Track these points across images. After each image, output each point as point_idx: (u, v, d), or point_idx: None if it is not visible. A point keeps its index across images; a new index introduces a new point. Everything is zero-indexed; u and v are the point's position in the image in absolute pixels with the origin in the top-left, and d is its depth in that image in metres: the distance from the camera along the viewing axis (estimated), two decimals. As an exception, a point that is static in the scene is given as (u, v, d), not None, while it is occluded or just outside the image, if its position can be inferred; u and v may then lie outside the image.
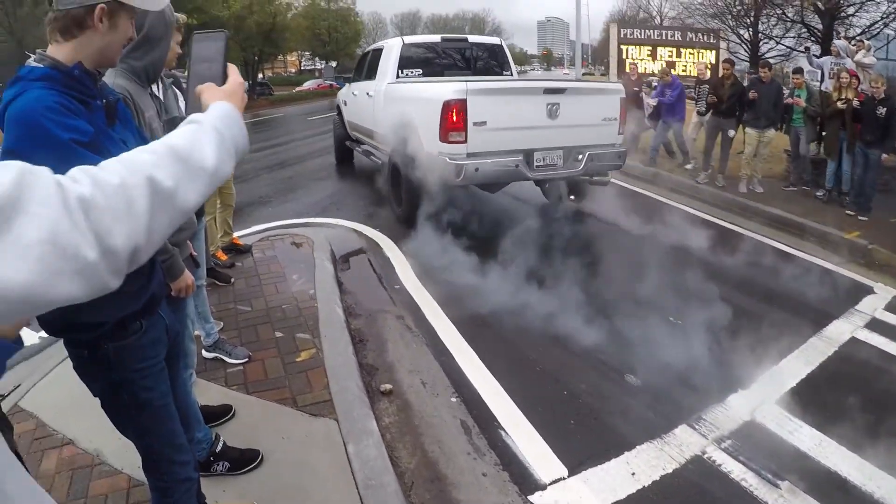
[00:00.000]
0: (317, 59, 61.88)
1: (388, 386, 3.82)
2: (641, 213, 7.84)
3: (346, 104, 10.41)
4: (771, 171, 10.33)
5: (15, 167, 0.68)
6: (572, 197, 8.20)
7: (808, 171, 9.55)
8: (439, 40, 9.10)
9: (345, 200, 8.79)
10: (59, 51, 1.60)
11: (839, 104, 8.36)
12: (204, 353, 3.88)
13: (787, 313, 5.08)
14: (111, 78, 2.20)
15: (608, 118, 6.80)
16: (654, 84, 11.81)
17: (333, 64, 57.48)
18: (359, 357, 4.12)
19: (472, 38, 9.76)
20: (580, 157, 6.63)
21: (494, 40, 9.76)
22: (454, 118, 5.98)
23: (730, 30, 23.29)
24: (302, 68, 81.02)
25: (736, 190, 9.25)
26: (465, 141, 6.06)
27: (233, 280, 5.26)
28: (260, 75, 46.36)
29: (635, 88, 12.28)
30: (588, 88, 7.50)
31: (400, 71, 8.28)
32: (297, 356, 3.98)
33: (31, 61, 1.62)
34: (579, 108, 6.60)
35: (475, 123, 6.04)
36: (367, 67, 9.36)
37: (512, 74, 9.21)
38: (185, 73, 1.63)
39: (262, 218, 7.79)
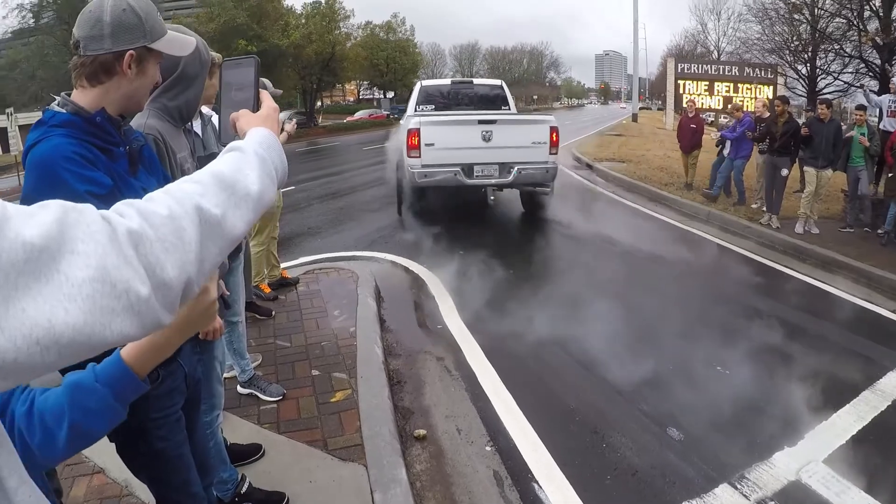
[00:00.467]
0: (375, 88, 63.01)
1: (422, 431, 3.74)
2: (693, 253, 7.66)
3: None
4: (827, 210, 9.98)
5: (56, 206, 0.65)
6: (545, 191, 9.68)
7: (866, 212, 9.19)
8: (450, 83, 11.84)
9: (394, 234, 8.83)
10: (84, 96, 1.60)
11: None
12: (238, 388, 3.88)
13: (838, 363, 4.81)
14: (143, 118, 2.20)
15: (537, 142, 8.79)
16: (730, 121, 11.73)
17: (391, 95, 58.46)
18: (395, 399, 4.06)
19: (477, 81, 12.35)
20: (512, 170, 8.70)
21: (496, 82, 11.95)
22: (413, 141, 8.46)
23: (787, 65, 22.91)
24: (360, 97, 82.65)
25: (790, 230, 8.92)
26: (420, 157, 8.47)
27: (274, 314, 5.27)
28: (318, 103, 47.41)
29: (692, 126, 12.12)
30: (516, 119, 9.60)
31: (417, 107, 10.75)
32: (332, 396, 3.93)
33: (55, 105, 1.60)
34: (510, 135, 8.79)
35: (426, 145, 8.47)
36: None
37: (510, 109, 11.16)
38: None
39: (310, 249, 7.86)
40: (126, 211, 0.72)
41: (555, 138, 8.87)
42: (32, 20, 36.08)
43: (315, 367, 4.34)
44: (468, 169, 8.65)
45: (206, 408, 2.53)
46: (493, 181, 8.88)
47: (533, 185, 9.27)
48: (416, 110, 10.48)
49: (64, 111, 1.57)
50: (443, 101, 11.19)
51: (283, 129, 5.61)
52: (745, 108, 13.10)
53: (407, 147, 8.54)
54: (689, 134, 12.25)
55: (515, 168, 8.70)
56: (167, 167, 2.14)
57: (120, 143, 1.66)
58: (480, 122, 8.70)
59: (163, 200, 0.77)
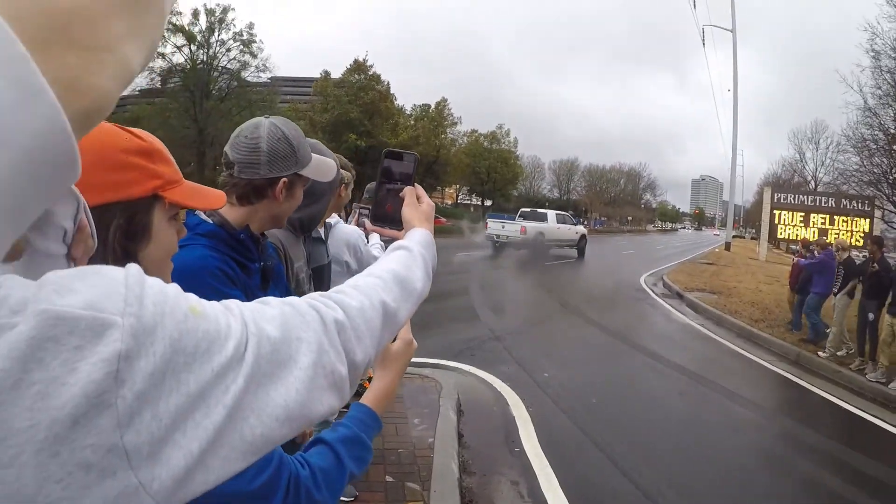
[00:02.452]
0: (474, 195, 64.38)
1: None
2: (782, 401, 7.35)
3: None
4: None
5: (276, 302, 0.76)
6: None
7: None
8: None
9: (481, 347, 8.84)
10: (232, 212, 1.68)
11: None
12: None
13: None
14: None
15: None
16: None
17: (489, 203, 59.63)
18: (465, 519, 4.02)
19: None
20: None
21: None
22: None
23: (885, 197, 22.16)
24: (458, 202, 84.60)
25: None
26: None
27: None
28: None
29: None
30: None
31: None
32: (404, 507, 3.93)
33: (201, 212, 1.66)
34: None
35: None
36: None
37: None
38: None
39: (396, 351, 7.98)
40: (328, 302, 0.82)
41: None
42: (160, 82, 39.41)
43: (389, 473, 4.37)
44: None
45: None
46: None
47: None
48: None
49: (210, 221, 1.64)
50: None
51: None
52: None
53: None
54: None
55: None
56: (287, 277, 2.23)
57: (256, 260, 1.73)
58: None
59: (354, 295, 0.88)
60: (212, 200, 1.19)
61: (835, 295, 10.16)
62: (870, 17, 19.88)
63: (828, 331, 10.20)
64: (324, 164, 1.83)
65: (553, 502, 4.46)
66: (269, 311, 0.72)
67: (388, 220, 1.34)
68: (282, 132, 1.71)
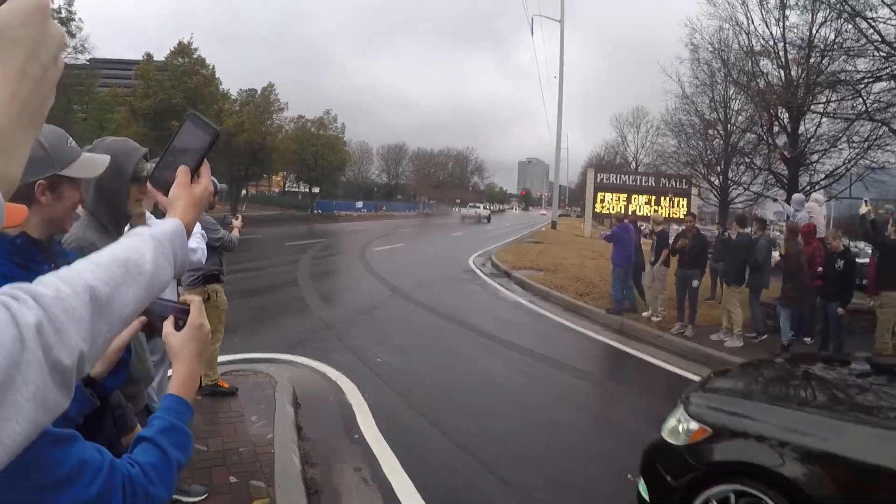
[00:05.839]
0: (301, 182, 63.17)
1: (338, 545, 3.78)
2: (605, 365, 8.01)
3: None
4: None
5: None
6: None
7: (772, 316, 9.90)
8: None
9: (314, 338, 8.87)
10: None
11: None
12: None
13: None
14: (81, 230, 2.34)
15: None
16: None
17: (316, 190, 58.80)
18: (311, 510, 4.09)
19: None
20: None
21: None
22: None
23: (701, 177, 24.53)
24: (286, 189, 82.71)
25: (703, 339, 9.55)
26: None
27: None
28: (244, 192, 47.19)
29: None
30: None
31: None
32: (249, 505, 3.94)
33: None
34: None
35: None
36: None
37: None
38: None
39: (227, 348, 7.75)
40: (20, 295, 0.75)
41: None
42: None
43: (232, 473, 4.34)
44: None
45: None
46: None
47: None
48: None
49: None
50: None
51: (233, 227, 5.76)
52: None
53: None
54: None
55: None
56: None
57: (43, 262, 1.71)
58: None
59: (51, 282, 0.82)
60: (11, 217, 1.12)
61: (652, 265, 11.16)
62: (690, 14, 21.98)
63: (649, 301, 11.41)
64: (91, 162, 1.79)
65: (396, 484, 4.63)
66: None
67: (167, 187, 1.27)
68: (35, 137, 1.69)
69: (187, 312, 1.35)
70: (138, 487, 1.04)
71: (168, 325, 1.33)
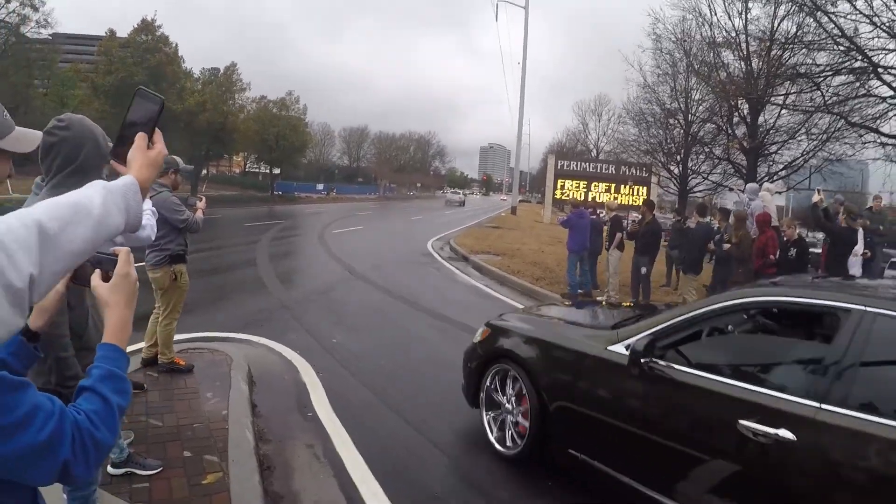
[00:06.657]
0: (262, 163, 62.43)
1: (290, 516, 3.93)
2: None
3: None
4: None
5: None
6: None
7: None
8: None
9: (270, 318, 8.95)
10: None
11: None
12: (110, 469, 3.91)
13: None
14: None
15: None
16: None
17: (277, 171, 58.21)
18: (265, 484, 4.20)
19: None
20: None
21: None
22: None
23: (661, 165, 24.97)
24: (247, 170, 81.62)
25: None
26: None
27: (146, 387, 5.33)
28: (204, 171, 46.57)
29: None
30: None
31: None
32: (204, 478, 4.04)
33: None
34: None
35: None
36: None
37: None
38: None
39: (184, 326, 7.76)
40: None
41: None
42: None
43: (187, 448, 4.43)
44: None
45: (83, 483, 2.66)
46: None
47: None
48: None
49: None
50: None
51: (197, 209, 5.82)
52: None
53: None
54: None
55: None
56: None
57: None
58: None
59: (4, 219, 0.94)
60: None
61: (607, 250, 11.47)
62: (654, 3, 22.35)
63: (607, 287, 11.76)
64: (24, 136, 1.81)
65: (347, 459, 4.77)
66: None
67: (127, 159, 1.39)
68: None
69: (115, 263, 1.40)
70: (85, 433, 1.13)
71: (96, 277, 1.38)
